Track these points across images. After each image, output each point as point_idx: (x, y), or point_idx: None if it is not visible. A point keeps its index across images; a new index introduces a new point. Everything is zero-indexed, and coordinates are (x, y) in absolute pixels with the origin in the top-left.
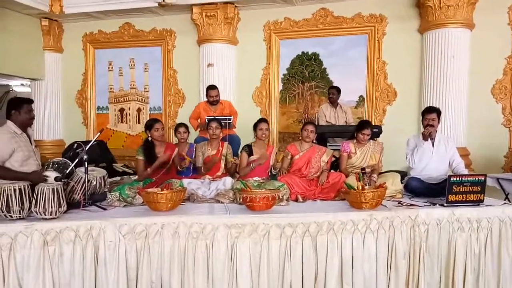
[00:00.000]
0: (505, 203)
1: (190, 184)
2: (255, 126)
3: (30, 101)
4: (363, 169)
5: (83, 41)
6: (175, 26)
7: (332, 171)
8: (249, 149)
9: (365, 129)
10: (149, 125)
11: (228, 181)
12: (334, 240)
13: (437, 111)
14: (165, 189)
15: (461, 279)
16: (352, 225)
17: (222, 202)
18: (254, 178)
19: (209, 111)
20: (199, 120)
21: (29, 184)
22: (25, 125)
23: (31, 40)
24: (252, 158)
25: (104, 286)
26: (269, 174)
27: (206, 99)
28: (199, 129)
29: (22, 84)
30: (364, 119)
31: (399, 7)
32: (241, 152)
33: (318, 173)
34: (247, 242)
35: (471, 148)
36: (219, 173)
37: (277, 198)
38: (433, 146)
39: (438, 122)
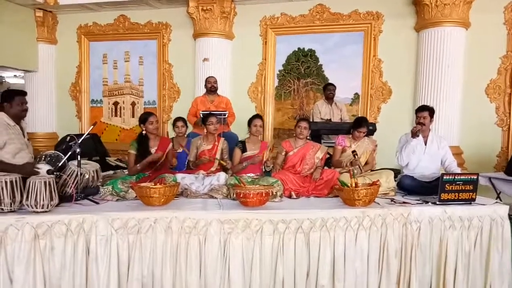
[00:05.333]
0: (496, 202)
1: (184, 179)
2: (250, 122)
3: (23, 93)
4: (353, 151)
5: (78, 33)
6: (171, 19)
7: (325, 168)
8: (242, 145)
9: (362, 127)
10: (144, 119)
11: (222, 176)
12: (327, 237)
13: (430, 110)
14: (158, 184)
15: (452, 277)
16: (345, 222)
17: (215, 198)
18: (248, 174)
19: (206, 102)
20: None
21: (20, 177)
22: (18, 117)
23: (24, 31)
24: (245, 155)
25: (95, 280)
26: (263, 170)
27: (205, 90)
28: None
29: (15, 76)
30: (360, 116)
31: (396, 4)
32: (234, 148)
33: (312, 170)
34: (240, 237)
35: (464, 147)
36: (213, 169)
37: (270, 194)
38: (425, 144)
39: (431, 121)
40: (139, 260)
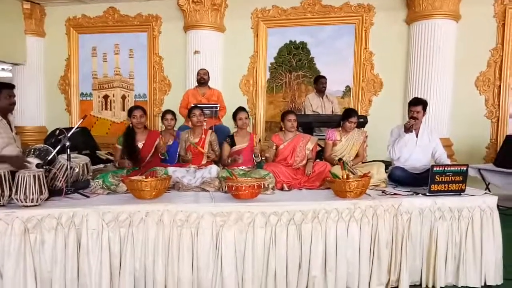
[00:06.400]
0: (485, 193)
1: (175, 172)
2: (234, 116)
3: (10, 86)
4: (340, 159)
5: (66, 25)
6: (161, 11)
7: (317, 160)
8: (231, 139)
9: (352, 117)
10: (129, 112)
11: (214, 169)
12: (319, 229)
13: (423, 103)
14: (149, 177)
15: (442, 267)
16: (336, 213)
17: (207, 191)
18: (240, 167)
19: (197, 95)
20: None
21: (9, 171)
22: (5, 111)
23: (12, 23)
24: (234, 149)
25: (87, 274)
26: (255, 163)
27: (196, 82)
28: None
29: (3, 69)
30: (350, 107)
31: None
32: (223, 143)
33: (304, 162)
34: (232, 230)
35: (454, 139)
36: (203, 162)
37: (262, 186)
38: (416, 136)
39: (423, 114)
40: (131, 253)
